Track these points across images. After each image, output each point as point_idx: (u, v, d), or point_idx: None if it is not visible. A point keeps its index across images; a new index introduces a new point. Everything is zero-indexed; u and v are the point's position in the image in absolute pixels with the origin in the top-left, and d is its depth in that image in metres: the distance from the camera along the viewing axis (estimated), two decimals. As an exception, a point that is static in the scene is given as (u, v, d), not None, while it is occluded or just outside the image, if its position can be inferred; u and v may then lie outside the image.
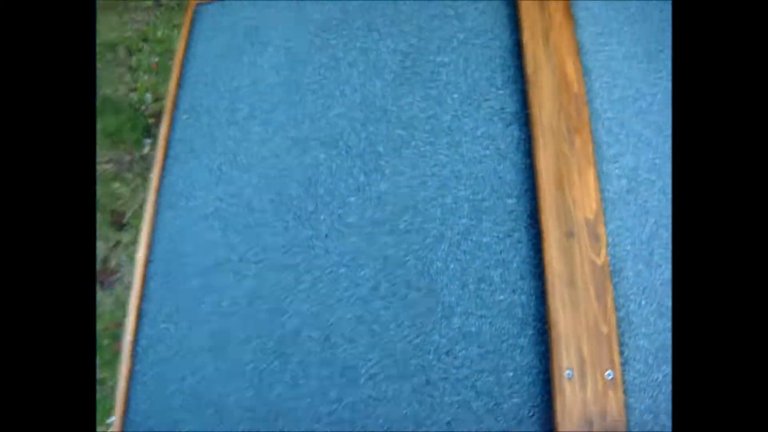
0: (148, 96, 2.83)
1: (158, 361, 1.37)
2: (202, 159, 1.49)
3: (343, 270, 1.32)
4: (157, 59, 2.91)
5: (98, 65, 2.96)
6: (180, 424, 1.32)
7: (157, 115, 2.79)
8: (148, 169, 2.72)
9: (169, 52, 2.94)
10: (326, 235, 1.35)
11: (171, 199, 1.48)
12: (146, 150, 2.74)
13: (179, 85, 1.60)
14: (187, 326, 1.37)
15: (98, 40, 3.01)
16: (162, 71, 2.88)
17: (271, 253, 1.36)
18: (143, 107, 2.82)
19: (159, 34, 2.99)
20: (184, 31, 1.69)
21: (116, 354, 2.45)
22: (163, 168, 1.52)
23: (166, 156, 1.52)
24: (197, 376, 1.33)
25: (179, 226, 1.45)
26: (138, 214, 2.65)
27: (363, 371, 1.24)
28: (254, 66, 1.57)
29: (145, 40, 2.99)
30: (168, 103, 1.59)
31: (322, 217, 1.36)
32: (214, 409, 1.30)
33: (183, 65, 1.63)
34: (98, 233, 2.64)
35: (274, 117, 1.49)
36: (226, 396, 1.30)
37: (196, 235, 1.43)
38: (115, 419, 1.37)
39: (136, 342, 1.41)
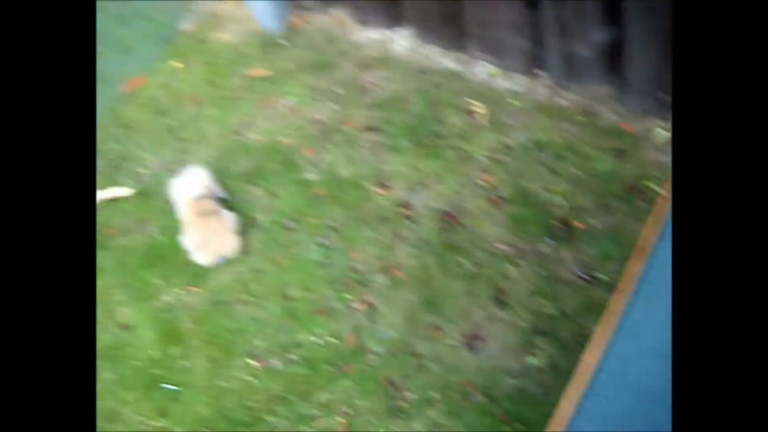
0: (563, 202, 3.16)
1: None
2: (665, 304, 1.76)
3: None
4: (579, 173, 3.25)
5: (524, 157, 3.35)
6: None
7: (564, 222, 3.11)
8: (539, 263, 3.05)
9: (588, 170, 3.26)
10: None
11: (630, 326, 1.76)
12: (545, 247, 3.07)
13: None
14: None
15: (530, 137, 3.41)
16: (580, 186, 3.21)
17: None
18: (554, 209, 3.16)
19: (584, 150, 3.32)
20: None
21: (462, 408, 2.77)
22: (629, 299, 1.80)
23: (635, 290, 1.80)
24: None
25: (631, 351, 1.72)
26: (518, 298, 2.98)
27: None
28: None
29: (570, 150, 3.34)
30: (644, 249, 1.87)
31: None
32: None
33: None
34: (478, 302, 3.01)
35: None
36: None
37: (643, 365, 1.69)
38: None
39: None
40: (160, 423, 3.00)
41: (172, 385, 3.08)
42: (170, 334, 3.21)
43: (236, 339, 3.13)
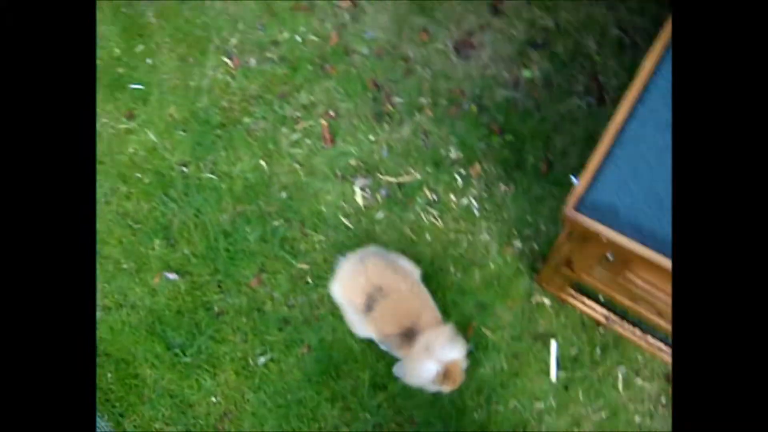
0: None
1: (637, 157, 1.61)
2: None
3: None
4: None
5: None
6: (636, 213, 1.57)
7: None
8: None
9: None
10: None
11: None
12: None
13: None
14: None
15: None
16: None
17: None
18: None
19: None
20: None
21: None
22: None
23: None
24: (668, 183, 1.56)
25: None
26: (514, 7, 2.83)
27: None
28: None
29: None
30: None
31: None
32: (670, 214, 1.54)
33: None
34: (472, 8, 2.84)
35: None
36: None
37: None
38: (579, 182, 1.63)
39: (621, 133, 1.64)
40: (128, 125, 2.83)
41: (139, 84, 2.87)
42: (134, 29, 2.95)
43: (208, 36, 2.92)
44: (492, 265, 2.49)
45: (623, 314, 2.44)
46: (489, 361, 2.42)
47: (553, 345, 2.44)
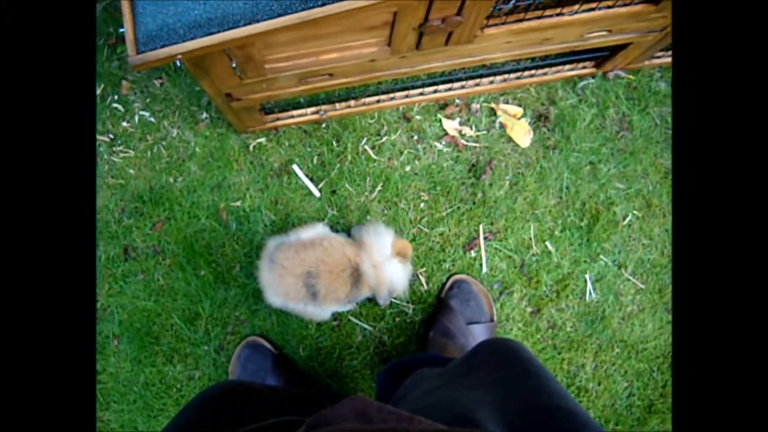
0: None
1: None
2: None
3: None
4: None
5: None
6: (184, 14, 1.53)
7: None
8: None
9: None
10: None
11: None
12: None
13: None
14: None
15: None
16: None
17: None
18: None
19: None
20: None
21: None
22: None
23: None
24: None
25: None
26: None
27: None
28: None
29: None
30: None
31: None
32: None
33: None
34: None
35: None
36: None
37: None
38: (125, 28, 1.58)
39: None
40: None
41: None
42: None
43: None
44: (198, 149, 2.45)
45: (328, 98, 2.46)
46: (255, 217, 2.42)
47: (296, 169, 2.44)
